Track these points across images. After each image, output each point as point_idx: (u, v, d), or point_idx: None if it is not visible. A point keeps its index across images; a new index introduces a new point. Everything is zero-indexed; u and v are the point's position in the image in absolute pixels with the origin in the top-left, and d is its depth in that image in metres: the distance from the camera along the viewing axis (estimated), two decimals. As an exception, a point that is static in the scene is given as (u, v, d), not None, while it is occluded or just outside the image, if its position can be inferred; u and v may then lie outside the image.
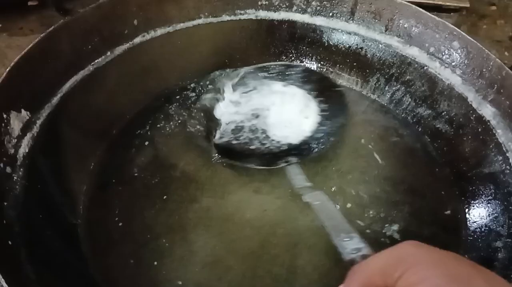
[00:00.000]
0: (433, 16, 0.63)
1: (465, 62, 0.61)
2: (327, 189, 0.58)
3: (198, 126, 0.63)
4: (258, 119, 0.62)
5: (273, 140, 0.60)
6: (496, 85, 0.57)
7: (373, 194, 0.58)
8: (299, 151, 0.59)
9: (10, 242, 0.43)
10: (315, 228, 0.54)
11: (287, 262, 0.52)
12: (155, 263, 0.51)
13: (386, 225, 0.55)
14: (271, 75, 0.67)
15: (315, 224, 0.54)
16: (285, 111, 0.63)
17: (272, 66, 0.68)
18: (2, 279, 0.37)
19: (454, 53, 0.62)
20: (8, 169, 0.48)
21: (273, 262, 0.52)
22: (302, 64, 0.73)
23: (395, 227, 0.55)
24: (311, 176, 0.58)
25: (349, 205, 0.57)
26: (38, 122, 0.53)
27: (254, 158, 0.58)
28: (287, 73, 0.67)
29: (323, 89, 0.66)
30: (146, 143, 0.62)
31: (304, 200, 0.54)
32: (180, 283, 0.50)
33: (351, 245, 0.43)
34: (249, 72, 0.67)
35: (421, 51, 0.65)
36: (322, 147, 0.60)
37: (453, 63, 0.62)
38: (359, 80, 0.71)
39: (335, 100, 0.65)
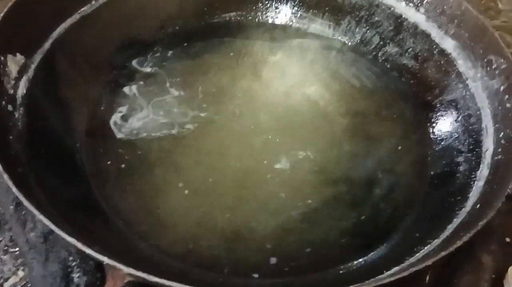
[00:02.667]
0: (398, -42, 0.67)
1: (428, 1, 0.66)
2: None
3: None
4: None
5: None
6: (456, 20, 0.63)
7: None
8: None
9: (19, 169, 0.47)
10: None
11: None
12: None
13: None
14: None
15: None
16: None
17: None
18: (24, 199, 0.41)
19: (418, -8, 0.67)
20: (10, 107, 0.51)
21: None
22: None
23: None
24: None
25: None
26: (33, 66, 0.57)
27: None
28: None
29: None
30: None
31: None
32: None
33: None
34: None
35: (389, -8, 0.69)
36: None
37: (417, 3, 0.67)
38: (332, 23, 0.75)
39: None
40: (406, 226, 0.54)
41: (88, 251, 0.39)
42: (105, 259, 0.39)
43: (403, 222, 0.54)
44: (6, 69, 0.52)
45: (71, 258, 0.51)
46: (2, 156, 0.44)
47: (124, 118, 0.63)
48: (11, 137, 0.49)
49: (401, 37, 0.69)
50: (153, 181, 0.57)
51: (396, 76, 0.70)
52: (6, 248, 0.56)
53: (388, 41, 0.71)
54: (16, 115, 0.52)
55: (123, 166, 0.58)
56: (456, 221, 0.48)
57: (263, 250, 0.52)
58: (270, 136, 0.62)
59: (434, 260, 0.40)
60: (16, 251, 0.55)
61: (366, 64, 0.72)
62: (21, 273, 0.54)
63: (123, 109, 0.64)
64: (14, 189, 0.41)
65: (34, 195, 0.45)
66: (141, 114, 0.63)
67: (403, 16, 0.69)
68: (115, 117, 0.63)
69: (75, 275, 0.51)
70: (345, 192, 0.57)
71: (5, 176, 0.42)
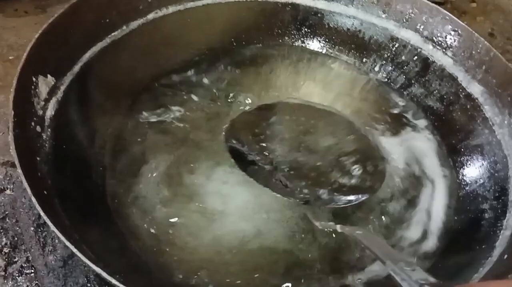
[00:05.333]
0: (427, 1, 0.68)
1: (456, 44, 0.66)
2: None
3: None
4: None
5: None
6: (484, 66, 0.63)
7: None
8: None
9: (45, 192, 0.46)
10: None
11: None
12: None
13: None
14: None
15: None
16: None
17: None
18: (50, 222, 0.40)
19: (447, 36, 0.67)
20: (38, 128, 0.51)
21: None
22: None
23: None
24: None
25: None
26: (62, 88, 0.57)
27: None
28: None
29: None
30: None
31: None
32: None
33: (415, 275, 0.40)
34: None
35: (416, 34, 0.70)
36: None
37: (445, 46, 0.67)
38: (357, 61, 0.76)
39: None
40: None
41: (114, 281, 0.38)
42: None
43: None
44: (37, 90, 0.53)
45: (89, 285, 0.50)
46: (30, 178, 0.44)
47: (147, 143, 0.62)
48: (38, 159, 0.49)
49: (427, 78, 0.70)
50: (177, 211, 0.56)
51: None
52: (21, 269, 0.55)
53: (413, 82, 0.71)
54: (44, 136, 0.52)
55: (146, 192, 0.57)
56: (483, 271, 0.47)
57: None
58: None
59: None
60: (31, 273, 0.55)
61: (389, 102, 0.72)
62: (35, 296, 0.54)
63: (148, 134, 0.63)
64: (42, 213, 0.41)
65: (59, 218, 0.45)
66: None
67: (430, 59, 0.69)
68: (139, 143, 0.62)
69: (92, 303, 0.50)
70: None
71: (33, 199, 0.42)
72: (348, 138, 0.64)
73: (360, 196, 0.57)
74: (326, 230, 0.53)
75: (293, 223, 0.56)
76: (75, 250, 0.40)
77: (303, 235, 0.55)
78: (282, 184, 0.58)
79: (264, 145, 0.62)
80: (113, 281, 0.39)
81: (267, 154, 0.61)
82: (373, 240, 0.47)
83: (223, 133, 0.63)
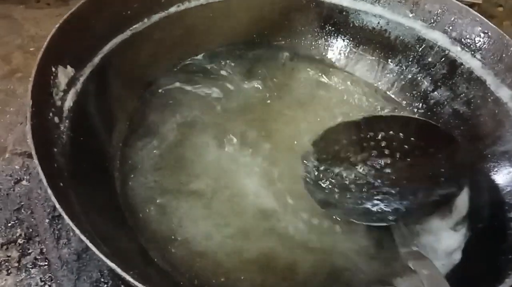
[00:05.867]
0: (457, 2, 0.66)
1: (486, 47, 0.64)
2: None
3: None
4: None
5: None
6: (515, 70, 0.61)
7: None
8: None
9: (61, 184, 0.45)
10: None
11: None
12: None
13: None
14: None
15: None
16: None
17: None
18: (65, 215, 0.40)
19: (476, 38, 0.65)
20: (56, 119, 0.51)
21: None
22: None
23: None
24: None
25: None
26: (81, 79, 0.56)
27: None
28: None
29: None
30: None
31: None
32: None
33: None
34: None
35: (444, 35, 0.68)
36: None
37: (474, 48, 0.65)
38: (381, 61, 0.74)
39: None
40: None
41: (128, 277, 0.37)
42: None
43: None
44: (56, 80, 0.52)
45: (102, 280, 0.49)
46: (46, 169, 0.43)
47: (162, 137, 0.62)
48: (55, 150, 0.48)
49: (454, 81, 0.67)
50: (192, 207, 0.55)
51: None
52: (35, 261, 0.55)
53: (439, 85, 0.69)
54: (62, 127, 0.51)
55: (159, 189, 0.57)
56: (509, 282, 0.45)
57: None
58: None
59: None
60: (45, 265, 0.54)
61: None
62: (49, 288, 0.53)
63: (163, 128, 0.63)
64: (57, 205, 0.40)
65: (74, 212, 0.44)
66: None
67: (457, 61, 0.67)
68: (154, 136, 0.62)
69: (106, 298, 0.49)
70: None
71: (49, 191, 0.41)
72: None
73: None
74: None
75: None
76: (89, 244, 0.39)
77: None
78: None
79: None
80: (127, 277, 0.38)
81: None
82: (437, 283, 0.46)
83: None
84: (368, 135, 0.59)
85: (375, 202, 0.56)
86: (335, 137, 0.60)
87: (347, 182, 0.58)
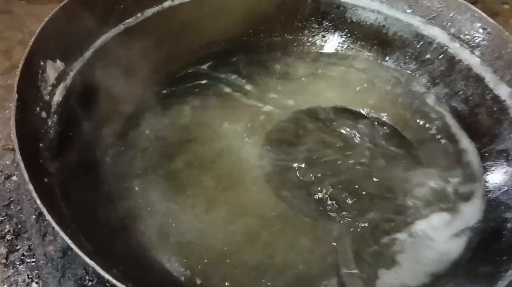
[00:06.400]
0: (457, -3, 0.65)
1: (485, 43, 0.63)
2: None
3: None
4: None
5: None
6: (513, 67, 0.59)
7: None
8: None
9: (46, 180, 0.45)
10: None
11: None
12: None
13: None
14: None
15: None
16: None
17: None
18: (46, 213, 0.39)
19: (475, 34, 0.63)
20: (44, 114, 0.50)
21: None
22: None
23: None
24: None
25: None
26: (71, 73, 0.55)
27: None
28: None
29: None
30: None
31: None
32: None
33: None
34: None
35: (442, 31, 0.66)
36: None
37: (473, 44, 0.64)
38: (379, 57, 0.72)
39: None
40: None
41: (108, 277, 0.36)
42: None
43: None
44: (45, 75, 0.51)
45: (87, 278, 0.48)
46: (29, 164, 0.42)
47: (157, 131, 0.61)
48: (41, 145, 0.48)
49: (452, 78, 0.66)
50: (181, 204, 0.54)
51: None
52: (23, 257, 0.54)
53: (438, 81, 0.68)
54: (49, 122, 0.50)
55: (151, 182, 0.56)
56: (501, 284, 0.44)
57: None
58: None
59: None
60: (32, 262, 0.53)
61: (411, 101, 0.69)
62: (34, 286, 0.52)
63: (155, 122, 0.62)
64: (38, 201, 0.39)
65: (58, 208, 0.43)
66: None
67: (456, 57, 0.65)
68: (148, 130, 0.61)
69: (90, 297, 0.48)
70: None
71: (30, 186, 0.40)
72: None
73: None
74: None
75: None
76: (69, 241, 0.38)
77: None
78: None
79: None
80: (107, 276, 0.37)
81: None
82: None
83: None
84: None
85: None
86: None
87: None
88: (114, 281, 0.37)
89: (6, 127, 0.66)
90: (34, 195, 0.40)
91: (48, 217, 0.39)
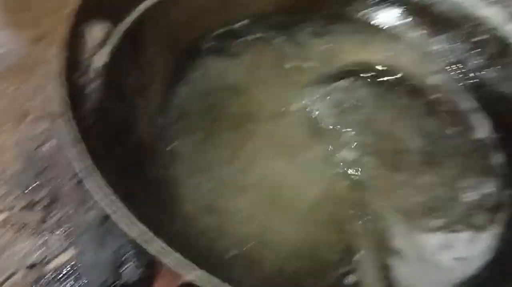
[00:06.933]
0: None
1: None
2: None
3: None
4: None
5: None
6: None
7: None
8: None
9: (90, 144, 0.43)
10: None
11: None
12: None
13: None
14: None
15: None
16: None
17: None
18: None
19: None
20: (87, 77, 0.48)
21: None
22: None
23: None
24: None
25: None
26: (117, 35, 0.53)
27: None
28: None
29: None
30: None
31: None
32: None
33: None
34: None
35: (499, 11, 0.63)
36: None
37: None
38: (427, 37, 0.69)
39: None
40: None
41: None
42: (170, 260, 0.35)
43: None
44: (91, 35, 0.49)
45: (126, 248, 0.47)
46: (73, 128, 0.40)
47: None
48: (84, 109, 0.46)
49: (505, 61, 0.63)
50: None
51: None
52: (57, 224, 0.53)
53: (488, 65, 0.64)
54: (93, 86, 0.48)
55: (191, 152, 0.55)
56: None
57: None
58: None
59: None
60: (67, 229, 0.52)
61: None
62: (70, 253, 0.51)
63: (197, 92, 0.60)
64: (79, 166, 0.37)
65: (97, 175, 0.41)
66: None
67: (510, 40, 0.62)
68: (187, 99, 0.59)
69: (127, 268, 0.47)
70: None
71: (73, 150, 0.38)
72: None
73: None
74: None
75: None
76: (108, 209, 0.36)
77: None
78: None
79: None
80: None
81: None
82: None
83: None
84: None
85: None
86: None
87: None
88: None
89: (34, 95, 0.65)
90: (75, 159, 0.38)
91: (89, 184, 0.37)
